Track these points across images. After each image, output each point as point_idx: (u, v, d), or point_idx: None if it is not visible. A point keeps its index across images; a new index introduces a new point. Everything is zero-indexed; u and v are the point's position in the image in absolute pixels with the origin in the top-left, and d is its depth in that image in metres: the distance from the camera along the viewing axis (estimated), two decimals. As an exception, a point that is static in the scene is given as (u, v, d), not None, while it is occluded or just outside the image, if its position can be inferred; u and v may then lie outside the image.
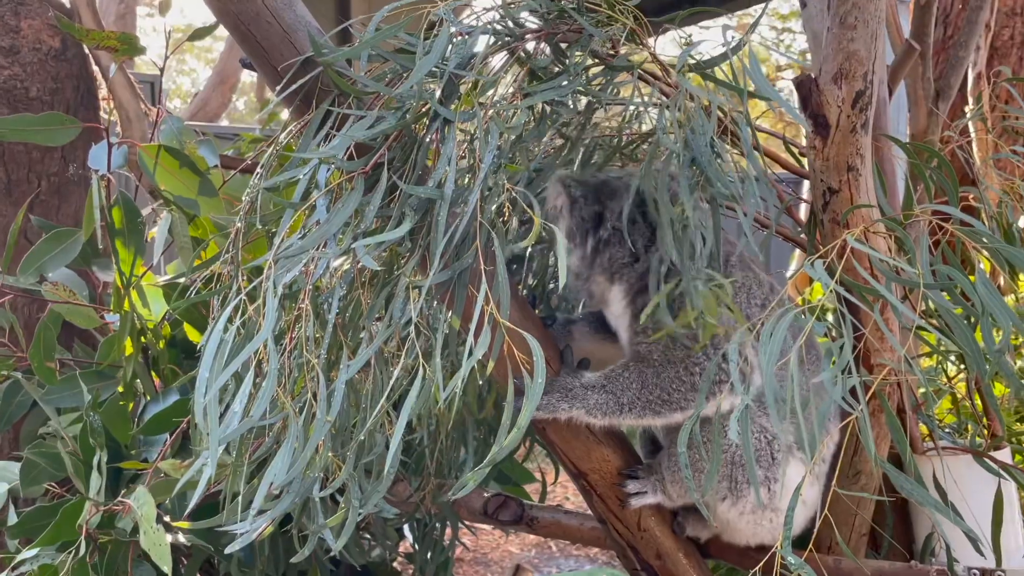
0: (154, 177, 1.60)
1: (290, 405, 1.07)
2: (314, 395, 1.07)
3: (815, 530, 1.21)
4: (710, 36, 1.52)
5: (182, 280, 1.81)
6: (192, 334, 1.98)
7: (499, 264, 1.08)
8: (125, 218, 1.61)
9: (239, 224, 1.21)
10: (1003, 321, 0.96)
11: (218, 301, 1.23)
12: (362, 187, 1.13)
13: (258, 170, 1.22)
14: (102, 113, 2.36)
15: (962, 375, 1.54)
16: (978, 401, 1.42)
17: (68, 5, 2.19)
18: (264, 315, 1.04)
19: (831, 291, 1.02)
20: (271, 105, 1.24)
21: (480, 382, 1.41)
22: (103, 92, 2.44)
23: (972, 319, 1.04)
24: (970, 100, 4.09)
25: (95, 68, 2.39)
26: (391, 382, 1.06)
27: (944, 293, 1.13)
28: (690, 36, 1.24)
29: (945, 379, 1.55)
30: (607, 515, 1.42)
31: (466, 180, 1.17)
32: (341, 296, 1.14)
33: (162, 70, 1.77)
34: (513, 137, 1.19)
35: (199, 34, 1.79)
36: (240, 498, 1.13)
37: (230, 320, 1.05)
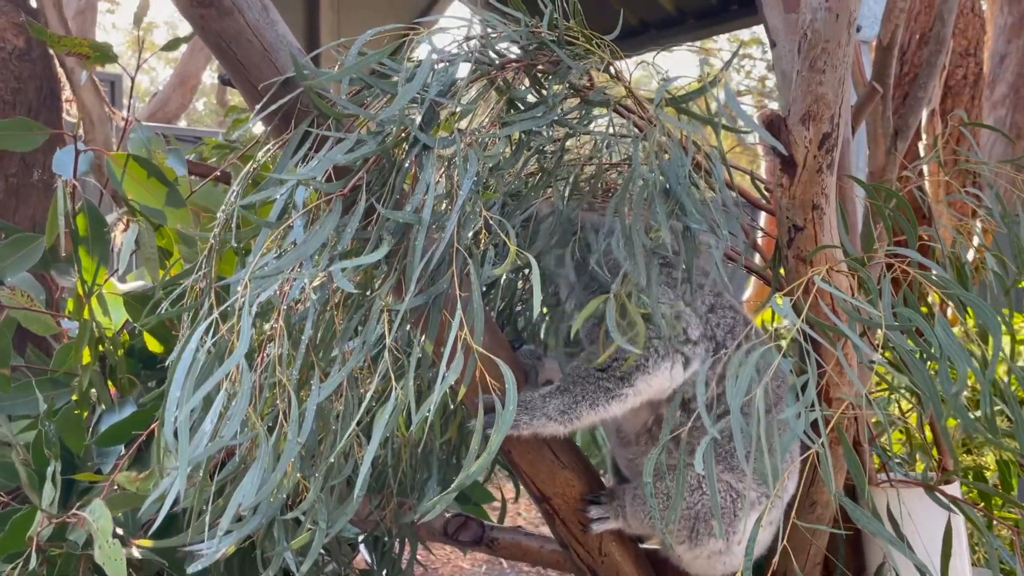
0: (121, 186, 1.58)
1: (260, 425, 1.07)
2: (285, 415, 1.07)
3: (771, 562, 1.24)
4: (674, 59, 1.56)
5: (146, 291, 1.79)
6: (152, 344, 1.95)
7: (474, 290, 1.09)
8: (90, 226, 1.59)
9: (213, 241, 1.20)
10: (960, 365, 1.00)
11: (188, 317, 1.22)
12: (340, 209, 1.14)
13: (233, 187, 1.22)
14: (65, 115, 2.33)
15: (912, 409, 1.59)
16: (929, 435, 1.47)
17: (34, 4, 2.16)
18: (238, 335, 1.03)
19: (796, 328, 1.05)
20: (249, 123, 1.23)
21: (451, 406, 1.42)
22: (66, 94, 2.40)
23: (925, 358, 1.08)
24: (924, 137, 4.21)
25: (59, 69, 2.35)
26: (362, 404, 1.06)
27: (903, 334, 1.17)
28: (665, 71, 1.26)
29: (899, 412, 1.60)
30: (569, 539, 1.43)
31: (443, 206, 1.18)
32: (314, 316, 1.14)
33: (133, 79, 1.75)
34: (490, 165, 1.20)
35: (173, 45, 1.78)
36: (204, 517, 1.12)
37: (203, 339, 1.04)
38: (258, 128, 2.06)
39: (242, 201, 1.17)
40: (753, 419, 1.06)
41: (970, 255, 1.66)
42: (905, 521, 1.37)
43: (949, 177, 1.82)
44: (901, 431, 1.63)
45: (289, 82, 1.21)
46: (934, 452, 1.45)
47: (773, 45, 1.59)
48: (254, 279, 1.06)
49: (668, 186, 1.13)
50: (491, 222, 1.15)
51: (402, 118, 1.12)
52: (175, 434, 0.99)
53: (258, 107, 1.20)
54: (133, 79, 1.73)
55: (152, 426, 1.66)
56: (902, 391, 1.50)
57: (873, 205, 1.38)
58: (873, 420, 1.42)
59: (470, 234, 1.14)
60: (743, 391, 1.01)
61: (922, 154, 4.14)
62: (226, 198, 1.21)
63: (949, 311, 1.58)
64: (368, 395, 1.06)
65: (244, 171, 1.22)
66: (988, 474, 2.03)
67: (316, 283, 1.15)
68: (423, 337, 1.14)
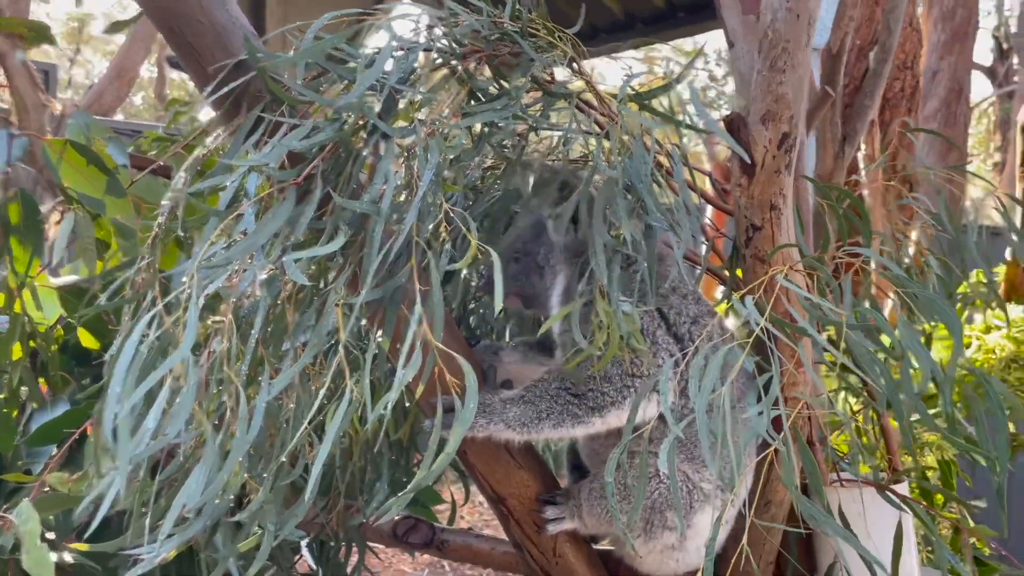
0: (58, 174, 1.51)
1: (207, 423, 1.02)
2: (233, 412, 1.02)
3: (728, 562, 1.23)
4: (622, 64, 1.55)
5: (82, 284, 1.71)
6: (87, 340, 1.87)
7: (434, 285, 1.06)
8: (23, 215, 1.51)
9: (158, 229, 1.15)
10: (923, 366, 1.00)
11: (129, 310, 1.17)
12: (293, 198, 1.09)
13: (180, 173, 1.16)
14: (-3, 101, 2.22)
15: (860, 409, 1.61)
16: (874, 435, 1.49)
17: (-35, -17, 2.05)
18: (184, 327, 0.98)
19: (760, 327, 1.04)
20: (199, 107, 1.17)
21: (407, 404, 1.38)
22: (-1, 78, 2.29)
23: (886, 358, 1.08)
24: (863, 146, 4.31)
25: (-10, 52, 2.24)
26: (315, 402, 1.02)
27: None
28: (629, 68, 1.25)
29: (850, 412, 1.61)
30: (523, 540, 1.41)
31: (402, 197, 1.15)
32: (265, 310, 1.09)
33: (72, 60, 1.67)
34: (451, 156, 1.17)
35: (117, 27, 1.70)
36: (144, 519, 1.06)
37: (146, 332, 0.99)
38: (205, 116, 2.00)
39: (190, 188, 1.11)
40: (717, 416, 1.05)
41: (905, 260, 1.68)
42: (856, 520, 1.38)
43: (895, 183, 1.85)
44: (845, 431, 1.65)
45: (241, 65, 1.17)
46: (879, 452, 1.47)
47: (731, 46, 1.60)
48: (201, 269, 1.01)
49: (630, 183, 1.11)
50: (452, 215, 1.12)
51: (360, 105, 1.08)
52: (114, 432, 0.94)
53: (208, 90, 1.15)
54: (72, 61, 1.65)
55: (86, 425, 1.59)
56: (848, 390, 1.52)
57: (828, 206, 1.38)
58: (823, 419, 1.43)
59: (430, 227, 1.10)
60: (708, 390, 0.99)
61: (861, 164, 4.23)
62: (172, 184, 1.15)
63: (887, 310, 1.60)
64: (321, 392, 1.02)
65: (192, 157, 1.17)
66: (930, 474, 2.07)
67: (267, 275, 1.11)
68: (379, 333, 1.11)
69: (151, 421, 0.96)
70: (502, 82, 1.29)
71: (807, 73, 1.32)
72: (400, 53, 1.15)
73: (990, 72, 16.32)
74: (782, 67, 1.30)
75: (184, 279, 1.08)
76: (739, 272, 1.41)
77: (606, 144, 1.16)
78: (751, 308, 1.06)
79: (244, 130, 1.16)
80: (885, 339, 1.12)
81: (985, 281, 2.13)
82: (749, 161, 1.33)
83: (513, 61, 1.26)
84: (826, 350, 1.06)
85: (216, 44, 1.17)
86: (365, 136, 1.14)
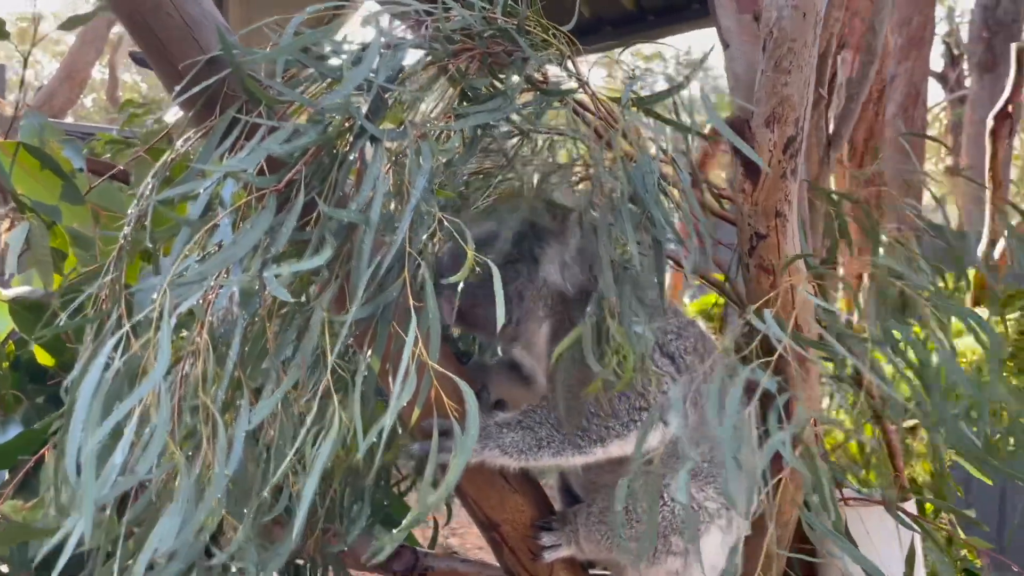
0: (10, 179, 1.39)
1: (180, 455, 0.92)
2: (209, 442, 0.93)
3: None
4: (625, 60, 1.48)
5: (35, 297, 1.60)
6: (42, 356, 1.75)
7: (429, 301, 0.97)
8: (-30, 224, 1.39)
9: (123, 241, 1.04)
10: (963, 388, 0.94)
11: (92, 329, 1.06)
12: (274, 207, 1.00)
13: (148, 179, 1.06)
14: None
15: (860, 425, 1.56)
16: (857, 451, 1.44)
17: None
18: (156, 351, 0.88)
19: (784, 345, 0.98)
20: (168, 107, 1.07)
21: (400, 431, 1.29)
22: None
23: (917, 377, 1.03)
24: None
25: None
26: (302, 431, 0.93)
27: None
28: (631, 68, 1.18)
29: (851, 426, 1.56)
30: (517, 568, 1.33)
31: (391, 205, 1.06)
32: (243, 329, 0.99)
33: (26, 59, 1.56)
34: (445, 160, 1.09)
35: (75, 21, 1.59)
36: (110, 563, 0.96)
37: (112, 355, 0.89)
38: (171, 117, 1.88)
39: (158, 196, 1.02)
40: (736, 439, 0.99)
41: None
42: (862, 540, 1.32)
43: (888, 188, 1.80)
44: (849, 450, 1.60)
45: (214, 62, 1.07)
46: (886, 469, 1.42)
47: (726, 46, 1.53)
48: (174, 286, 0.92)
49: (635, 194, 1.04)
50: (447, 224, 1.03)
51: (347, 106, 0.99)
52: (78, 468, 0.84)
53: (178, 89, 1.05)
54: (26, 59, 1.53)
55: (43, 451, 1.48)
56: (845, 405, 1.46)
57: (834, 215, 1.32)
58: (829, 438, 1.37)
59: (424, 237, 1.02)
60: (734, 414, 0.92)
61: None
62: (138, 190, 1.05)
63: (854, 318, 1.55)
64: (308, 419, 0.93)
65: (160, 161, 1.07)
66: (920, 482, 2.04)
67: (245, 290, 1.01)
68: (369, 353, 1.02)
69: (119, 455, 0.86)
70: (495, 82, 1.21)
71: (812, 74, 1.26)
72: (388, 50, 1.07)
73: (941, 78, 16.64)
74: (787, 68, 1.24)
75: (153, 295, 0.98)
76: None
77: (608, 151, 1.08)
78: (771, 323, 1.00)
79: (217, 133, 1.06)
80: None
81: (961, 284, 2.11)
82: (752, 165, 1.27)
83: (506, 60, 1.18)
84: (849, 368, 0.99)
85: (186, 39, 1.07)
86: (351, 139, 1.05)
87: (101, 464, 0.87)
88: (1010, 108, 3.26)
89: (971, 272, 3.68)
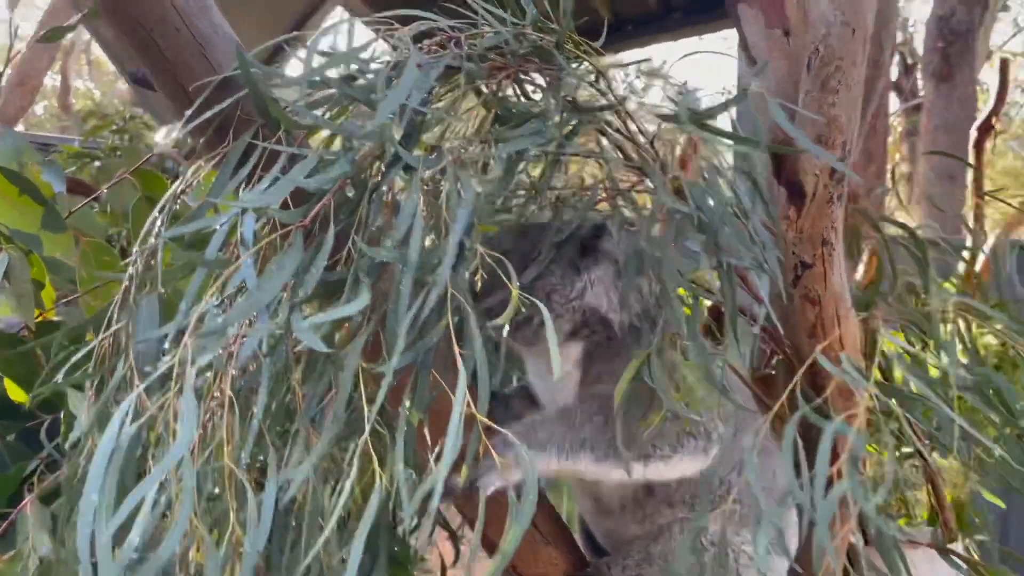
0: (-17, 206, 1.27)
1: (203, 529, 0.81)
2: (235, 515, 0.82)
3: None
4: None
5: (10, 330, 1.47)
6: (14, 392, 1.62)
7: (477, 347, 0.88)
8: (-58, 256, 1.26)
9: (129, 283, 0.93)
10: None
11: (93, 386, 0.94)
12: (301, 244, 0.90)
13: (155, 214, 0.95)
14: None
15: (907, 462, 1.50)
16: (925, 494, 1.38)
17: None
18: (175, 414, 0.78)
19: (869, 395, 0.90)
20: (177, 133, 0.96)
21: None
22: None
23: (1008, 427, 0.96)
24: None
25: None
26: (341, 500, 0.83)
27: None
28: (683, 83, 1.10)
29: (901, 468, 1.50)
30: (551, 626, 1.23)
31: (427, 240, 0.96)
32: (269, 384, 0.89)
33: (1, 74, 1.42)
34: (487, 190, 1.00)
35: (56, 33, 1.47)
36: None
37: (125, 420, 0.78)
38: (160, 137, 1.75)
39: (169, 232, 0.90)
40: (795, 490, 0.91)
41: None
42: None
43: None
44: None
45: (228, 83, 0.96)
46: (934, 510, 1.35)
47: (753, 63, 1.46)
48: (196, 339, 0.81)
49: (703, 218, 0.96)
50: (489, 260, 0.94)
51: (384, 133, 0.89)
52: (91, 552, 0.73)
53: (188, 113, 0.94)
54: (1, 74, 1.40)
55: (24, 502, 1.35)
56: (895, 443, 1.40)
57: (880, 241, 1.26)
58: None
59: (466, 275, 0.92)
60: (825, 470, 0.84)
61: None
62: (146, 226, 0.94)
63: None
64: (345, 489, 0.83)
65: (169, 192, 0.96)
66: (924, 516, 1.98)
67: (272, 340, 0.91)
68: (409, 405, 0.92)
69: (136, 536, 0.75)
70: (528, 100, 1.13)
71: (860, 94, 1.19)
72: (419, 70, 0.97)
73: (896, 86, 16.97)
74: (835, 87, 1.17)
75: (164, 344, 0.88)
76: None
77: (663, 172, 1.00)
78: (849, 367, 0.92)
79: (232, 161, 0.96)
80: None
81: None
82: (796, 190, 1.19)
83: (540, 78, 1.10)
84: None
85: (195, 57, 0.97)
86: (382, 168, 0.95)
87: (115, 544, 0.76)
88: (993, 120, 3.26)
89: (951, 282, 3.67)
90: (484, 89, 1.05)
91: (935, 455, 1.41)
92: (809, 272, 1.21)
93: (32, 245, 1.31)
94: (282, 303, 0.87)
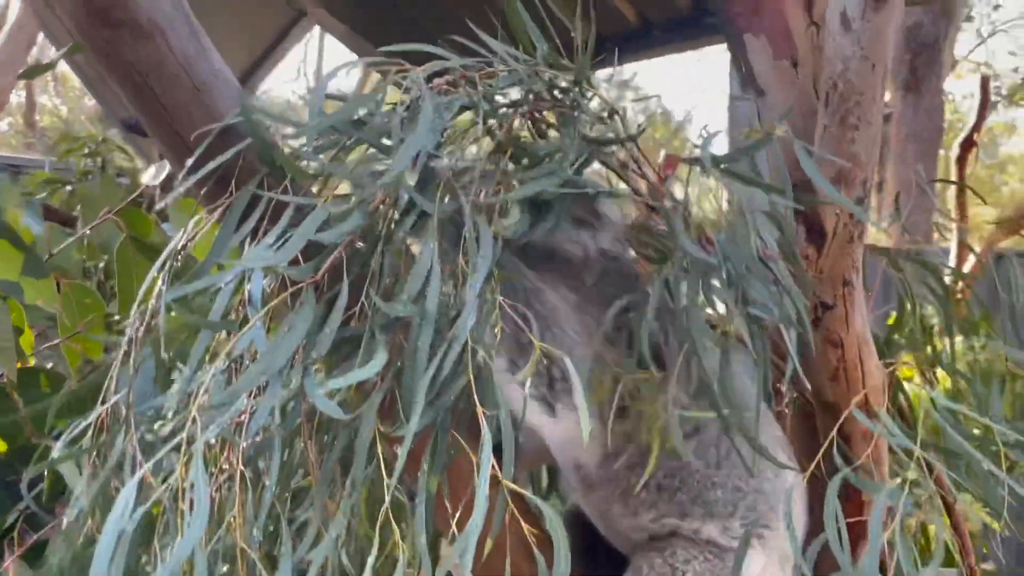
0: (-39, 254, 1.20)
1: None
2: (247, 598, 0.76)
3: None
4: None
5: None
6: (-9, 444, 1.54)
7: (502, 408, 0.83)
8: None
9: (128, 347, 0.87)
10: None
11: (91, 461, 0.88)
12: (313, 302, 0.84)
13: (155, 272, 0.89)
14: None
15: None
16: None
17: None
18: (182, 495, 0.72)
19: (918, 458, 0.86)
20: (178, 188, 0.90)
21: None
22: None
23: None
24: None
25: None
26: (364, 577, 0.77)
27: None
28: (704, 130, 1.06)
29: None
30: None
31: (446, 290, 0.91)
32: (281, 454, 0.82)
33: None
34: (507, 237, 0.95)
35: (37, 71, 1.39)
36: None
37: (129, 503, 0.72)
38: (148, 179, 1.68)
39: (171, 293, 0.84)
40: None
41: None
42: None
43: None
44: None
45: (229, 130, 0.91)
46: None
47: (760, 94, 1.43)
48: (204, 411, 0.75)
49: (730, 269, 0.91)
50: (509, 311, 0.89)
51: (402, 181, 0.84)
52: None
53: (190, 164, 0.88)
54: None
55: (7, 562, 1.28)
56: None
57: (898, 280, 1.22)
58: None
59: (487, 330, 0.87)
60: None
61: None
62: (146, 283, 0.88)
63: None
64: (369, 562, 0.77)
65: (169, 249, 0.90)
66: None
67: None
68: (427, 470, 0.86)
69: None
70: (541, 138, 1.08)
71: (880, 130, 1.16)
72: (432, 112, 0.92)
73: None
74: (854, 123, 1.13)
75: (167, 413, 0.82)
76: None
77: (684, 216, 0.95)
78: (891, 424, 0.88)
79: (235, 214, 0.90)
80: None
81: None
82: (816, 229, 1.16)
83: (559, 117, 1.05)
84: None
85: (194, 103, 0.91)
86: (396, 216, 0.90)
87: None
88: (975, 136, 3.28)
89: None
90: (497, 128, 1.00)
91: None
92: (830, 313, 1.18)
93: (12, 293, 1.24)
94: (295, 366, 0.81)
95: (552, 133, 1.11)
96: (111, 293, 1.82)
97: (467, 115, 1.00)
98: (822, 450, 0.95)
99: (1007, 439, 0.89)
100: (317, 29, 5.64)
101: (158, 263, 0.89)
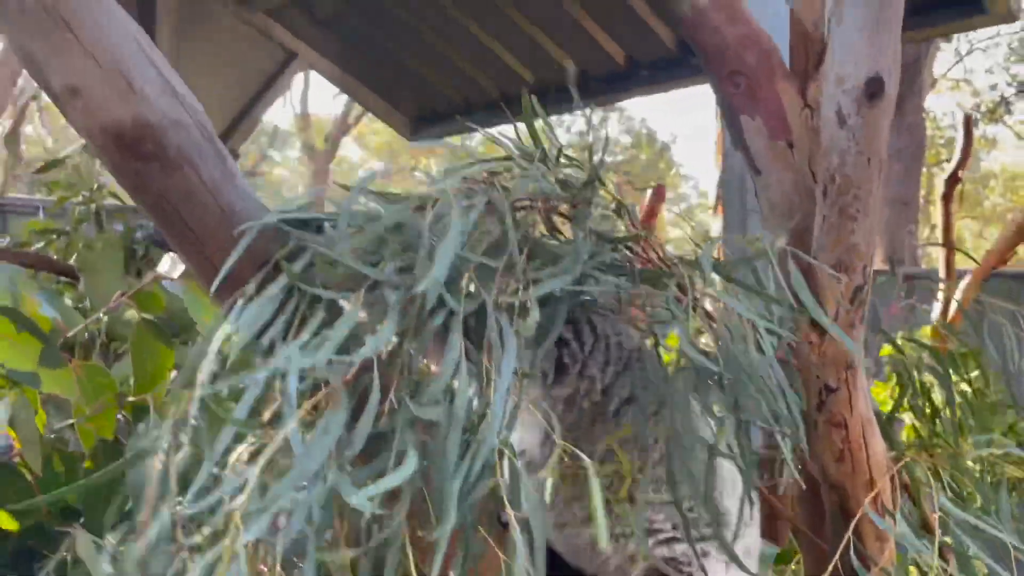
0: (-18, 345, 1.21)
1: None
2: None
3: None
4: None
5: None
6: (5, 520, 1.53)
7: (532, 510, 0.85)
8: (-66, 399, 1.19)
9: (166, 452, 0.88)
10: None
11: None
12: (346, 403, 0.87)
13: (189, 367, 0.91)
14: None
15: None
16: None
17: None
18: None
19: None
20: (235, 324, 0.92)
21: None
22: None
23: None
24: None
25: None
26: None
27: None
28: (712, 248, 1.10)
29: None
30: None
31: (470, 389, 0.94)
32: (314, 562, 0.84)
33: None
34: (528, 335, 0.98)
35: (52, 165, 1.43)
36: None
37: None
38: (164, 267, 1.70)
39: (208, 388, 0.86)
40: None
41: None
42: None
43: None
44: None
45: (256, 247, 0.93)
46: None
47: (757, 173, 1.48)
48: (247, 517, 0.77)
49: (727, 377, 0.95)
50: (534, 411, 0.92)
51: (439, 285, 0.88)
52: None
53: (215, 283, 0.90)
54: None
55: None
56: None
57: (897, 366, 1.27)
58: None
59: (514, 432, 0.90)
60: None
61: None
62: (175, 380, 0.90)
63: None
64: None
65: (197, 346, 0.92)
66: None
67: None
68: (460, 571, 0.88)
69: None
70: (557, 234, 1.12)
71: (878, 221, 1.21)
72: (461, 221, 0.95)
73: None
74: (853, 214, 1.19)
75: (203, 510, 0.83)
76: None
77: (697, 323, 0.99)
78: (903, 526, 0.91)
79: (264, 315, 0.92)
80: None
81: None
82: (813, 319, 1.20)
83: (572, 212, 1.10)
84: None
85: (222, 226, 0.94)
86: (426, 313, 0.93)
87: None
88: (960, 173, 3.37)
89: (927, 330, 3.70)
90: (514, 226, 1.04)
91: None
92: (834, 396, 1.22)
93: (30, 383, 1.25)
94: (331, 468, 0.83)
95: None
96: (114, 356, 1.83)
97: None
98: (838, 553, 0.97)
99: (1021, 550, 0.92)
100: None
101: (189, 355, 0.91)
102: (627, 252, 1.15)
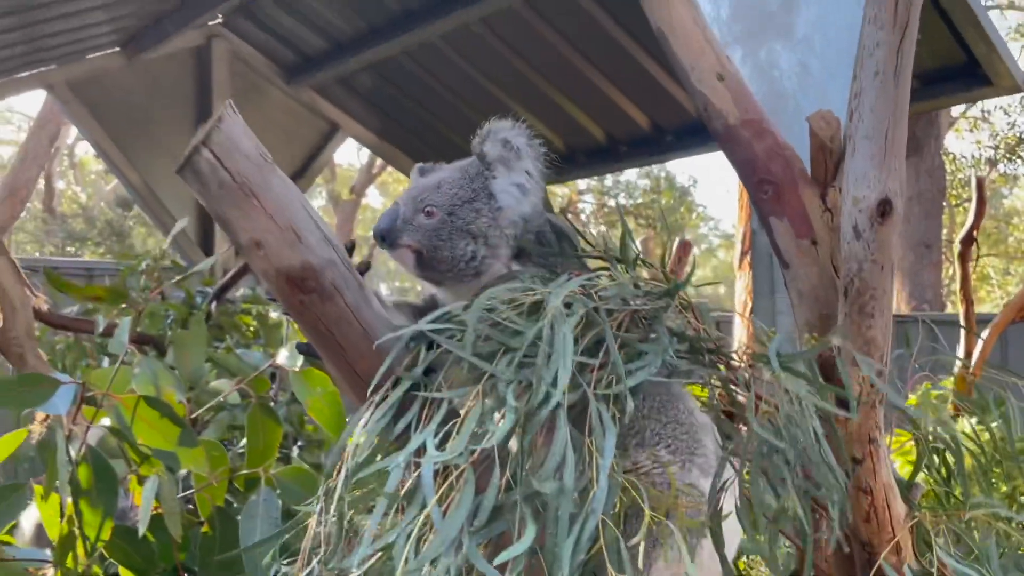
0: (131, 433, 1.43)
1: None
2: None
3: None
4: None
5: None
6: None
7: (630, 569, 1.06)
8: (95, 476, 1.41)
9: (326, 524, 1.10)
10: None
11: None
12: (473, 481, 1.08)
13: (336, 458, 1.13)
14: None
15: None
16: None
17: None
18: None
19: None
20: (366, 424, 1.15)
21: None
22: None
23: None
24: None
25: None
26: None
27: None
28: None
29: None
30: None
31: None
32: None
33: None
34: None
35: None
36: None
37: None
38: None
39: (355, 476, 1.09)
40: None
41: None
42: None
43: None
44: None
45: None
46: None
47: (787, 267, 1.69)
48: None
49: (791, 454, 1.16)
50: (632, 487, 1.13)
51: (552, 379, 1.10)
52: None
53: (370, 393, 1.13)
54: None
55: None
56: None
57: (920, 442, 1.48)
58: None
59: (615, 504, 1.12)
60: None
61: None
62: (327, 470, 1.13)
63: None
64: None
65: (344, 434, 1.14)
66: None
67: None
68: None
69: None
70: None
71: (891, 316, 1.43)
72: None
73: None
74: (870, 312, 1.40)
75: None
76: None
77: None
78: None
79: (390, 406, 1.14)
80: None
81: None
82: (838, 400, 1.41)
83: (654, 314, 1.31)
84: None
85: (362, 340, 1.20)
86: (535, 404, 1.15)
87: None
88: (974, 233, 3.62)
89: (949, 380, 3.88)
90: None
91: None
92: (860, 467, 1.42)
93: (170, 462, 1.47)
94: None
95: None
96: (201, 424, 2.03)
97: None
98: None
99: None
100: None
101: (337, 455, 1.13)
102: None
